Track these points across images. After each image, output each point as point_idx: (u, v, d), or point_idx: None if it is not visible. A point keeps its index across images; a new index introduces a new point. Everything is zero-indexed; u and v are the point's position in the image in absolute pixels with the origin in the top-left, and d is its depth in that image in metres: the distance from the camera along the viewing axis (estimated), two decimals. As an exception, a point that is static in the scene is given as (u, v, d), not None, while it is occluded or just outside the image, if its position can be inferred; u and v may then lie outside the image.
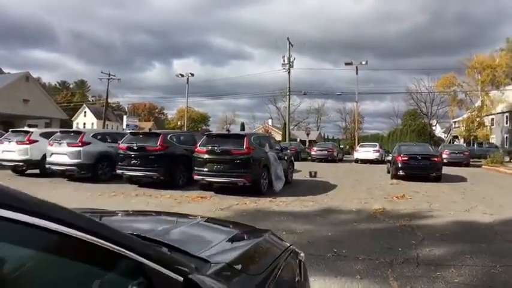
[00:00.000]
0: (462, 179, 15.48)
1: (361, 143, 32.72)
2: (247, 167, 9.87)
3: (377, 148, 27.89)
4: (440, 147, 28.75)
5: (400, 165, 14.45)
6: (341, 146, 47.38)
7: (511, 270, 4.43)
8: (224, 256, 1.53)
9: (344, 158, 34.61)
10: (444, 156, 24.94)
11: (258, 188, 10.15)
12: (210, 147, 10.21)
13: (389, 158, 17.05)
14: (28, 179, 13.09)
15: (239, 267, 1.44)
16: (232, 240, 1.93)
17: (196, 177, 10.41)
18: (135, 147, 11.30)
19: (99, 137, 13.39)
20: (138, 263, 1.04)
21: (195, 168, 10.36)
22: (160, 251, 1.22)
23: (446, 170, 18.47)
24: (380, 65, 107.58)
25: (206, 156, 10.21)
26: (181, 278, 1.12)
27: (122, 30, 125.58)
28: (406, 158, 14.49)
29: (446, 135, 61.97)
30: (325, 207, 8.54)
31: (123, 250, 0.99)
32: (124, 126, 38.68)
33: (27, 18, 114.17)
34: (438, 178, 14.33)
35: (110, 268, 1.02)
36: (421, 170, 14.29)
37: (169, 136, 11.72)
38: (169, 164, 11.11)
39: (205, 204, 8.65)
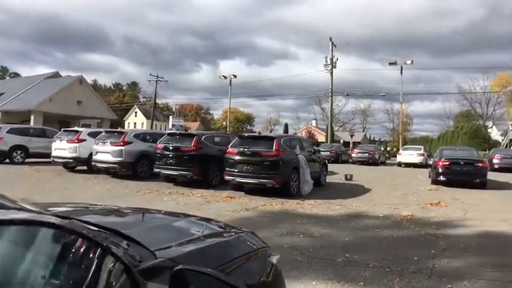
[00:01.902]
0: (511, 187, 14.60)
1: (404, 146, 31.63)
2: (276, 168, 9.96)
3: (421, 151, 26.89)
4: (491, 152, 27.19)
5: (440, 170, 13.87)
6: (387, 148, 46.05)
7: (531, 287, 4.22)
8: (176, 251, 1.67)
9: (389, 161, 33.65)
10: (495, 161, 23.59)
11: (287, 190, 10.22)
12: (240, 149, 10.42)
13: (431, 162, 16.41)
14: (76, 175, 14.01)
15: (183, 261, 1.57)
16: (198, 238, 2.07)
17: (227, 177, 10.66)
18: (171, 148, 11.76)
19: (140, 137, 14.05)
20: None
21: (226, 168, 10.60)
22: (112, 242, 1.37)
23: (495, 176, 17.53)
24: (433, 63, 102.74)
25: (237, 157, 10.42)
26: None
27: (170, 33, 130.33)
28: (447, 163, 13.89)
29: (503, 138, 58.25)
30: (351, 211, 8.44)
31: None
32: (170, 126, 40.02)
33: (84, 23, 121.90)
34: (483, 184, 13.60)
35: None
36: (464, 175, 13.63)
37: (203, 137, 12.06)
38: (202, 164, 11.44)
39: (232, 204, 8.85)
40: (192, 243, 1.95)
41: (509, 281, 4.33)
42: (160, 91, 62.78)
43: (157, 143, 12.41)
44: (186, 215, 2.93)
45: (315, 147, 14.12)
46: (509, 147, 43.28)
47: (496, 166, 22.98)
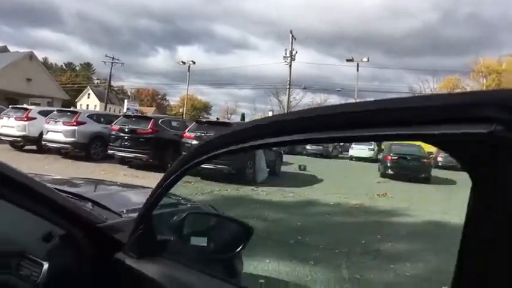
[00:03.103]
0: (453, 183, 15.58)
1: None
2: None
3: (372, 147, 27.99)
4: (435, 150, 28.81)
5: (389, 164, 14.61)
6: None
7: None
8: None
9: (342, 155, 34.69)
10: (439, 159, 24.99)
11: (243, 176, 10.37)
12: (198, 134, 10.44)
13: (381, 156, 17.21)
14: (25, 154, 13.38)
15: None
16: None
17: (183, 162, 10.63)
18: (127, 130, 11.55)
19: (94, 117, 13.65)
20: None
21: (183, 152, 10.55)
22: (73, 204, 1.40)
23: (440, 172, 18.61)
24: (388, 62, 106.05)
25: (194, 141, 10.41)
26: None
27: (128, 14, 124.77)
28: (395, 158, 14.65)
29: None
30: (303, 199, 8.72)
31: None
32: (124, 110, 38.92)
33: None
34: (427, 179, 14.49)
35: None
36: (410, 170, 14.44)
37: (160, 121, 11.97)
38: (158, 148, 11.34)
39: (188, 189, 8.83)
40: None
41: (445, 264, 4.72)
42: (115, 73, 60.77)
43: (113, 124, 12.14)
44: (144, 187, 2.98)
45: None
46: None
47: (439, 164, 24.40)
